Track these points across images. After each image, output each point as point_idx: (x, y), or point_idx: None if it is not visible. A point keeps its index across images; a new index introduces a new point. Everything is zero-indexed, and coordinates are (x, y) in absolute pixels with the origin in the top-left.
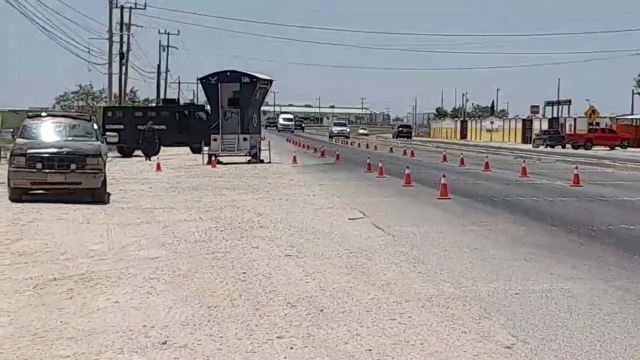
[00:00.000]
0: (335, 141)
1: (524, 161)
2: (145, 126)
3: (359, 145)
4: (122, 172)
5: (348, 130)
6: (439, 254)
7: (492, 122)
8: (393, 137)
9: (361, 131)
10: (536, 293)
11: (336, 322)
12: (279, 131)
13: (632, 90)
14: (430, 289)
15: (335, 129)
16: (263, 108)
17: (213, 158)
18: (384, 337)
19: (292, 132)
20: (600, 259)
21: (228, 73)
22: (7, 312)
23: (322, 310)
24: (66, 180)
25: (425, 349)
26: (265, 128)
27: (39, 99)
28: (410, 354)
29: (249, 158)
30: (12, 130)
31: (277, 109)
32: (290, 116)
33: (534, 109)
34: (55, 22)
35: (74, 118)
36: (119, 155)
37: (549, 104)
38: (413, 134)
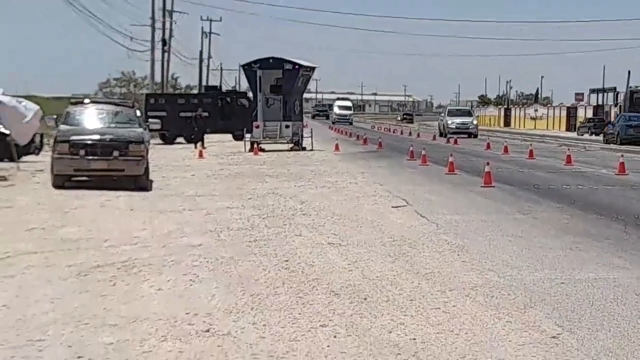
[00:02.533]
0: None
1: (568, 149)
2: (195, 113)
3: (402, 132)
4: (164, 159)
5: (475, 122)
6: (483, 243)
7: (536, 110)
8: (399, 120)
9: (400, 118)
10: (582, 282)
11: (380, 311)
12: (333, 123)
13: None
14: (475, 278)
15: (454, 122)
16: (305, 95)
17: (255, 145)
18: (428, 326)
19: (351, 123)
20: None
21: (270, 60)
22: (51, 298)
23: (365, 299)
24: (109, 167)
25: (470, 338)
26: (313, 118)
27: (82, 86)
28: (455, 343)
29: (291, 145)
30: (55, 117)
31: (320, 96)
32: (349, 103)
33: (579, 96)
34: (98, 9)
35: (117, 105)
36: (161, 142)
37: (593, 91)
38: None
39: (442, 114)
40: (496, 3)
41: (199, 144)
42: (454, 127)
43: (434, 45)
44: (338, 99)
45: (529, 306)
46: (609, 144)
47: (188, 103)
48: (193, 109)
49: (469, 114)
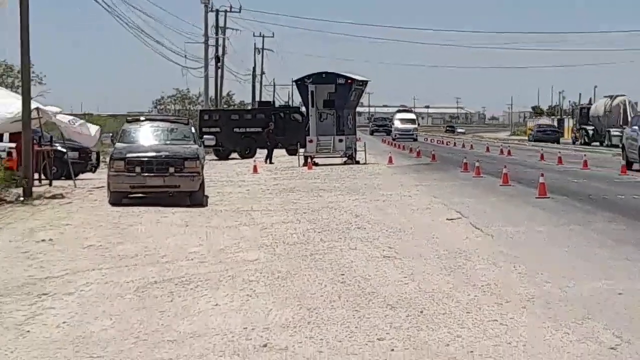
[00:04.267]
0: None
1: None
2: (267, 129)
3: (455, 144)
4: (219, 174)
5: None
6: (539, 254)
7: None
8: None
9: (459, 130)
10: None
11: (436, 324)
12: (394, 139)
13: None
14: (531, 290)
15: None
16: (358, 109)
17: (309, 160)
18: (485, 338)
19: (415, 139)
20: None
21: (323, 74)
22: (109, 314)
23: (422, 312)
24: (165, 184)
25: (527, 350)
26: (372, 134)
27: (137, 104)
28: (513, 356)
29: (344, 159)
30: (111, 134)
31: (372, 109)
32: (412, 115)
33: None
34: (152, 27)
35: (172, 122)
36: (216, 158)
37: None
38: (506, 133)
39: (636, 126)
40: (548, 14)
41: (269, 159)
42: None
43: (486, 56)
44: (399, 110)
45: (586, 317)
46: (529, 141)
47: (242, 119)
48: (247, 124)
49: None
